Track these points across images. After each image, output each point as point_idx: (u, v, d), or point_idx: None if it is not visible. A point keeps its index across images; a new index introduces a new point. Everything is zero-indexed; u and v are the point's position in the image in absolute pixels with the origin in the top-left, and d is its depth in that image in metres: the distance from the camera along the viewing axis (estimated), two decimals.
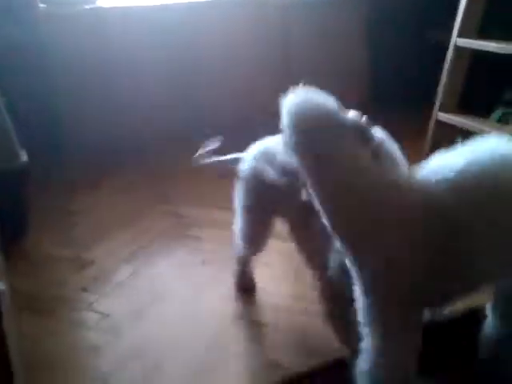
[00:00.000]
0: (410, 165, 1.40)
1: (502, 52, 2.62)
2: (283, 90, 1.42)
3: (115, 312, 1.98)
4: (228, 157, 1.98)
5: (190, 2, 3.59)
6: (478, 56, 2.86)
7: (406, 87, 3.78)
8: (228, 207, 2.67)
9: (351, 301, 1.42)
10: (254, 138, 1.85)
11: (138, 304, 2.02)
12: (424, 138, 3.03)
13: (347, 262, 1.40)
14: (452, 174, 1.32)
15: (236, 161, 1.91)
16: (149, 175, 3.16)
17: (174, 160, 3.23)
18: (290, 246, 2.01)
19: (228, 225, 2.49)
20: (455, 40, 2.85)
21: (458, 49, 2.86)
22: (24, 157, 2.37)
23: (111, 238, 2.48)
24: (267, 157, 1.67)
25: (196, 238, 2.46)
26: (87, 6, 3.37)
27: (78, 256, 2.34)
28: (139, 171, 3.21)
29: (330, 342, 1.75)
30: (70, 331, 1.92)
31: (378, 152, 1.36)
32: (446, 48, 2.93)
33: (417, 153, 2.59)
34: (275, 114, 1.39)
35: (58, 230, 2.57)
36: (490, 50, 2.68)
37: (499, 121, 2.91)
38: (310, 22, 3.80)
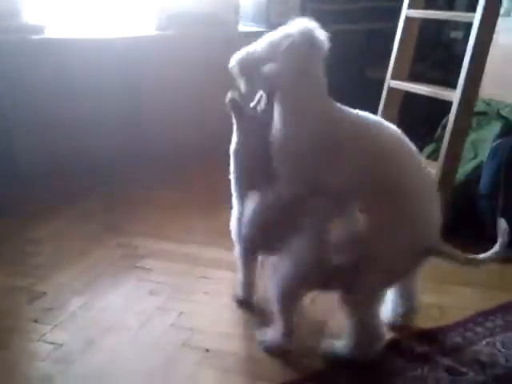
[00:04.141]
0: None
1: (430, 95, 2.85)
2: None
3: (67, 342, 2.08)
4: None
5: (135, 36, 3.75)
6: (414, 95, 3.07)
7: None
8: (179, 239, 2.84)
9: None
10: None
11: (89, 334, 2.12)
12: None
13: None
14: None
15: None
16: (103, 203, 3.28)
17: (127, 187, 3.42)
18: (229, 275, 2.25)
19: (177, 256, 2.64)
20: (389, 82, 3.07)
21: (391, 89, 3.08)
22: None
23: (64, 269, 2.58)
24: None
25: (145, 270, 2.57)
26: (35, 37, 3.49)
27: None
28: (94, 199, 3.32)
29: (275, 366, 1.95)
30: (22, 362, 2.00)
31: None
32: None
33: None
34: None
35: (11, 260, 2.66)
36: (419, 92, 2.91)
37: (428, 157, 3.13)
38: None
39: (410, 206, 1.87)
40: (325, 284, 1.96)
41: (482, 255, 1.89)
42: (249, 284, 2.30)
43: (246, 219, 2.13)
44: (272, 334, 2.04)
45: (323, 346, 2.01)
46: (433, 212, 1.92)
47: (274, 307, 2.00)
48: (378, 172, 1.87)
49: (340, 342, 1.98)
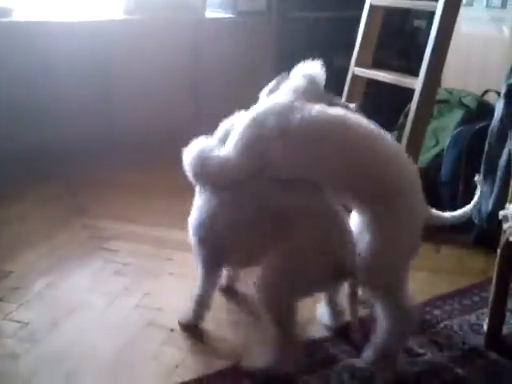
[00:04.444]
0: None
1: (393, 82, 2.90)
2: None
3: (33, 321, 2.09)
4: None
5: (102, 20, 3.73)
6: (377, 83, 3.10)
7: None
8: (146, 221, 2.85)
9: None
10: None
11: (55, 313, 2.14)
12: None
13: None
14: None
15: None
16: (71, 186, 3.28)
17: (95, 171, 3.42)
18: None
19: (144, 238, 2.65)
20: (353, 69, 3.11)
21: (355, 77, 3.12)
22: None
23: (30, 249, 2.58)
24: None
25: (111, 251, 2.59)
26: (3, 19, 3.45)
27: None
28: (61, 182, 3.32)
29: (234, 347, 1.98)
30: None
31: None
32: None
33: None
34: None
35: None
36: (382, 79, 2.95)
37: None
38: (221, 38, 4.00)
39: (403, 188, 1.82)
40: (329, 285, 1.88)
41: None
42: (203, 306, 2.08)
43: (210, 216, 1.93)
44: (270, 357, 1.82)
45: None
46: (419, 186, 1.87)
47: (270, 320, 1.79)
48: (357, 162, 1.80)
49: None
